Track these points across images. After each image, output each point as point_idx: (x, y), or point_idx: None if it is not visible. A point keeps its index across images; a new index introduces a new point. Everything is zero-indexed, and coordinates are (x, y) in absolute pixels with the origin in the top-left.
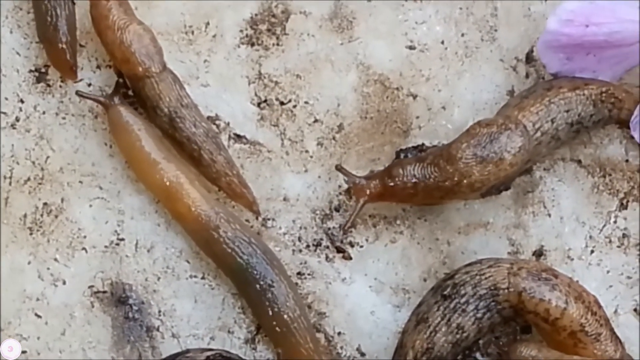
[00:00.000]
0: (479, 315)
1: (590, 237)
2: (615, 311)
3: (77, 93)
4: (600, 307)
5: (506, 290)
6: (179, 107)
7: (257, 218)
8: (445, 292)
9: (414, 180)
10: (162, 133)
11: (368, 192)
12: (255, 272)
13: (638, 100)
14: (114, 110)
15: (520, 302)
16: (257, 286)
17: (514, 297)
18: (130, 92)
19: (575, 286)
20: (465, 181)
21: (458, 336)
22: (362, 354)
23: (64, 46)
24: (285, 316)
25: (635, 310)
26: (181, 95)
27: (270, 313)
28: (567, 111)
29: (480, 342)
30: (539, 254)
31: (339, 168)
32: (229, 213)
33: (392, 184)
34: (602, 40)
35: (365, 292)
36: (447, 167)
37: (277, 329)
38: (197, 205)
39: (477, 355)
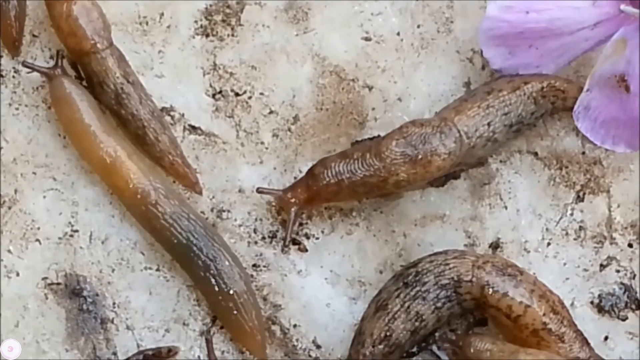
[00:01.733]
0: (439, 304)
1: (547, 229)
2: (572, 304)
3: (24, 63)
4: (564, 307)
5: (469, 283)
6: (125, 83)
7: (211, 210)
8: (406, 280)
9: (338, 177)
10: (108, 110)
11: (295, 201)
12: (196, 248)
13: (582, 88)
14: (57, 81)
15: (482, 295)
16: (200, 262)
17: (476, 290)
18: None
19: (539, 285)
20: (391, 179)
21: (417, 324)
22: (318, 346)
23: (12, 20)
24: (232, 291)
25: (591, 302)
26: (127, 72)
27: (217, 289)
28: (506, 114)
29: (437, 334)
30: (495, 246)
31: (259, 190)
32: (168, 189)
33: (316, 185)
34: (543, 28)
35: (321, 284)
36: (375, 163)
37: (222, 303)
38: (136, 180)
39: (434, 347)
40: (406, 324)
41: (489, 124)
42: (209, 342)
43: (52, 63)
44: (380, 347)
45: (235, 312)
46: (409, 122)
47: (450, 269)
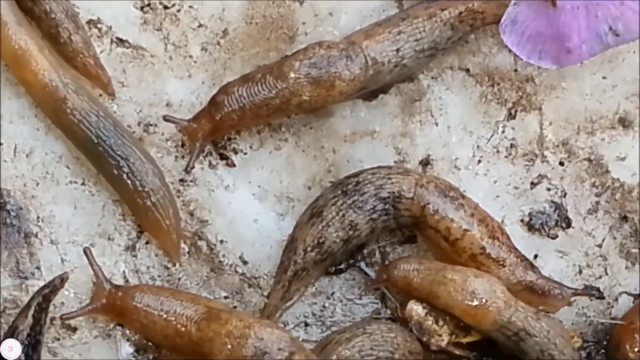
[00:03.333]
0: (374, 216)
1: (478, 146)
2: (502, 222)
3: None
4: (503, 233)
5: (410, 200)
6: None
7: (138, 124)
8: (346, 189)
9: (240, 102)
10: (20, 7)
11: (200, 132)
12: (106, 145)
13: (501, 5)
14: None
15: (422, 215)
16: (111, 160)
17: (416, 209)
18: None
19: (480, 210)
20: (294, 100)
21: (350, 233)
22: (245, 262)
23: None
24: (146, 188)
25: (522, 220)
26: None
27: (131, 186)
28: (417, 40)
29: (365, 251)
30: (425, 163)
31: (165, 118)
32: (78, 85)
33: (219, 114)
34: None
35: (249, 200)
36: (277, 84)
37: (138, 201)
38: (45, 74)
39: (362, 264)
40: (339, 232)
41: (397, 50)
42: (86, 253)
43: None
44: (312, 254)
45: (152, 209)
46: (315, 43)
47: (392, 183)
